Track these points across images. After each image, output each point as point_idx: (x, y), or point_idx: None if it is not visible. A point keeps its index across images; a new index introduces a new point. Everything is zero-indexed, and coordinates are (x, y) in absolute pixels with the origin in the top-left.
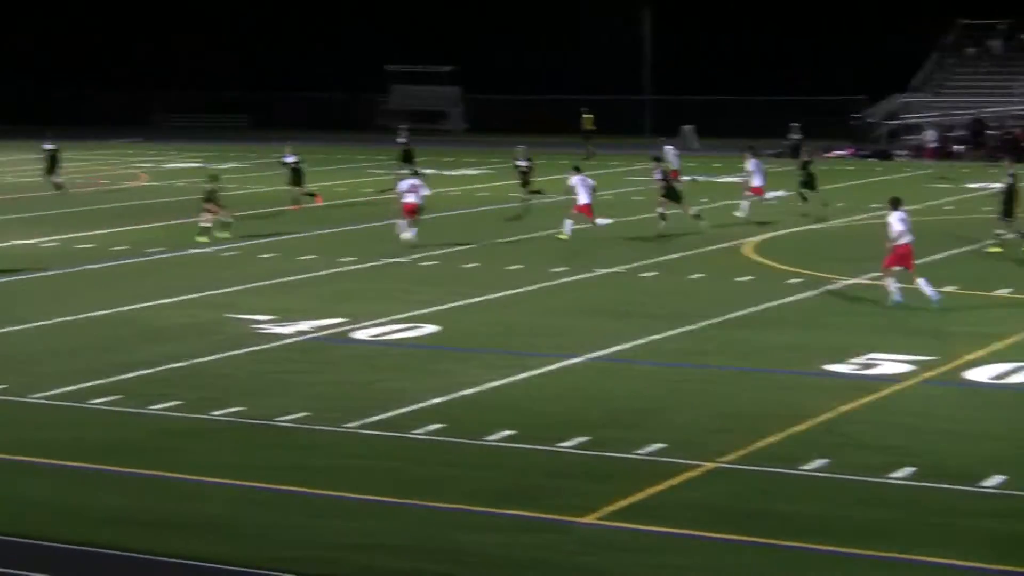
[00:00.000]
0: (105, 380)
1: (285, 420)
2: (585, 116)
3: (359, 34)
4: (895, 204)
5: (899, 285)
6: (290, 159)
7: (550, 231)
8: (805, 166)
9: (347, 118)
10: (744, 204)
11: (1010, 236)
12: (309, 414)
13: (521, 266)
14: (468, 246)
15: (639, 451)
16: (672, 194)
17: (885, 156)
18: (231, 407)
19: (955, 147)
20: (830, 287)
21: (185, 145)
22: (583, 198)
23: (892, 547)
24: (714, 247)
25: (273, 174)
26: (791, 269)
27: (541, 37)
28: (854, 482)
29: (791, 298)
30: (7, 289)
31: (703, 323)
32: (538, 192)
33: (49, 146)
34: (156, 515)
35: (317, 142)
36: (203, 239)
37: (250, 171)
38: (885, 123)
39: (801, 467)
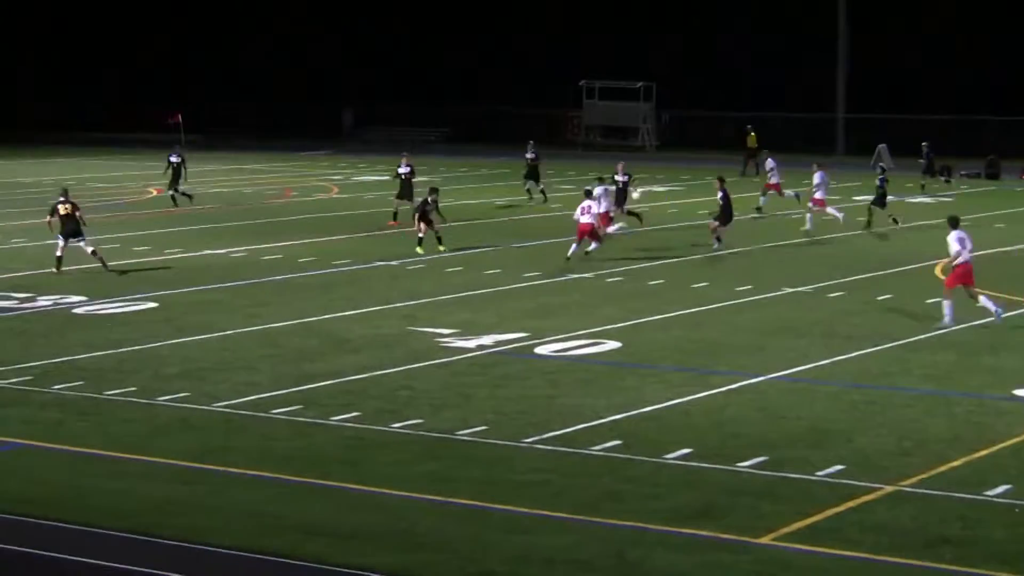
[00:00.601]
0: (288, 390)
1: (464, 433)
2: (751, 135)
3: (555, 49)
4: (953, 223)
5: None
6: (404, 170)
7: (735, 249)
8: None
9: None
10: (808, 216)
11: None
12: (488, 428)
13: (706, 283)
14: (654, 263)
15: (818, 472)
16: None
17: None
18: (411, 419)
19: None
20: (1021, 310)
21: (376, 158)
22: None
23: None
24: (905, 267)
25: (460, 188)
26: (984, 291)
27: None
28: None
29: (982, 320)
30: (196, 298)
31: (889, 344)
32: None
33: (175, 158)
34: (352, 527)
35: (508, 156)
36: (419, 250)
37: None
38: None
39: (986, 492)
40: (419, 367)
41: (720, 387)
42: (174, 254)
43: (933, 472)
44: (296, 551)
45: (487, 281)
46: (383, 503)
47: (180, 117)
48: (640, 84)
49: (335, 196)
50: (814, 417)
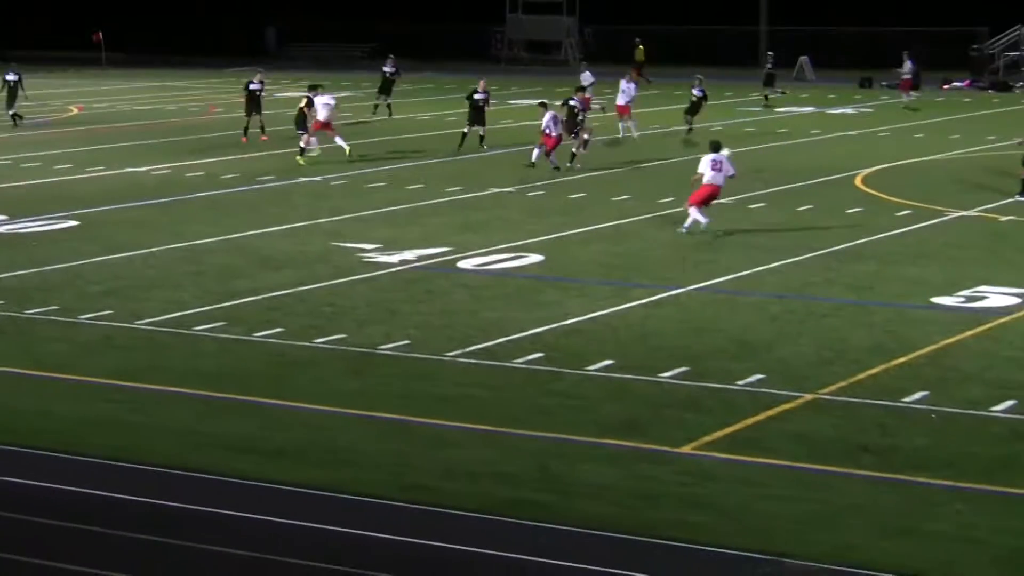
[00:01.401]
0: (212, 307)
1: (388, 348)
2: (639, 48)
3: None
4: (713, 147)
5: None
6: (389, 68)
7: (659, 161)
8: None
9: (463, 48)
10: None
11: None
12: (411, 343)
13: (627, 197)
14: (575, 177)
15: (739, 382)
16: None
17: (1003, 88)
18: (335, 335)
19: None
20: (940, 219)
21: (301, 74)
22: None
23: (992, 479)
24: (824, 179)
25: (384, 103)
26: (901, 201)
27: None
28: (955, 415)
29: (900, 230)
30: (119, 216)
31: (810, 255)
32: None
33: (11, 76)
34: (278, 443)
35: (438, 72)
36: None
37: (364, 100)
38: (1006, 55)
39: (903, 400)
40: (342, 283)
41: (642, 299)
42: (96, 172)
43: (852, 381)
44: (222, 468)
45: (409, 196)
46: (308, 419)
47: (101, 35)
48: None
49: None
50: (735, 328)
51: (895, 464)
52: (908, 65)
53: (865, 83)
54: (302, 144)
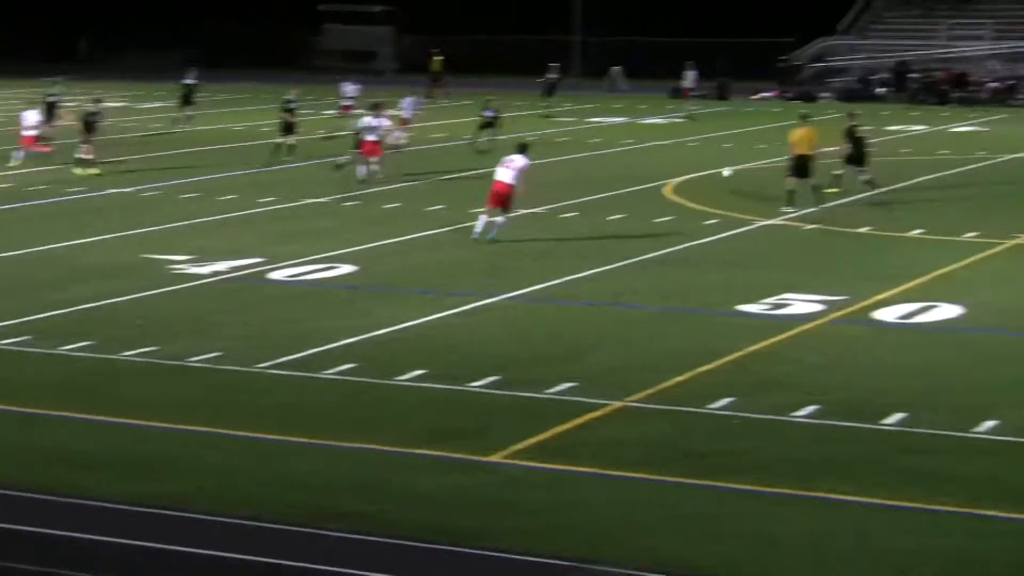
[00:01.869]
0: (17, 320)
1: (200, 360)
2: (435, 58)
3: None
4: (519, 149)
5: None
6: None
7: (473, 171)
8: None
9: (278, 56)
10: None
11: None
12: (223, 354)
13: (442, 206)
14: (390, 187)
15: (549, 390)
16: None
17: (810, 98)
18: (146, 347)
19: (878, 90)
20: (747, 228)
21: (113, 83)
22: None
23: (796, 483)
24: (635, 188)
25: (200, 113)
26: (709, 210)
27: None
28: (759, 420)
29: (708, 239)
30: None
31: (621, 263)
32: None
33: None
34: (88, 456)
35: (247, 80)
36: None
37: (173, 111)
38: (811, 65)
39: (708, 406)
40: (154, 295)
41: (455, 308)
42: None
43: (660, 388)
44: (32, 482)
45: (222, 207)
46: (120, 432)
47: None
48: (379, 8)
49: (71, 124)
50: (546, 336)
51: (701, 469)
52: (690, 76)
53: (676, 93)
54: (80, 155)
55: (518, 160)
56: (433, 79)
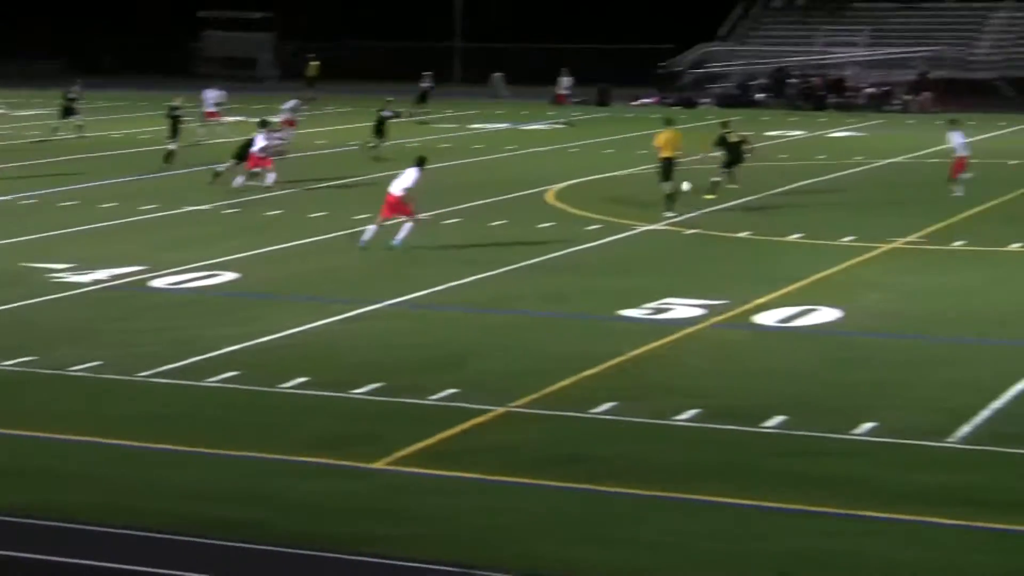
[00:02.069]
0: None
1: (79, 369)
2: (311, 64)
3: None
4: (417, 162)
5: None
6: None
7: (355, 178)
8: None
9: (158, 63)
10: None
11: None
12: (103, 363)
13: (324, 213)
14: (272, 194)
15: (433, 397)
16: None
17: (689, 104)
18: (24, 357)
19: (757, 95)
20: (629, 233)
21: None
22: None
23: (676, 486)
24: (518, 194)
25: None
26: (591, 215)
27: None
28: (640, 424)
29: (590, 244)
30: None
31: (503, 269)
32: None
33: None
34: None
35: (126, 87)
36: None
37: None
38: (691, 71)
39: (591, 411)
40: (32, 304)
41: (338, 315)
42: None
43: (544, 393)
44: None
45: (102, 215)
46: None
47: None
48: (259, 15)
49: None
50: (430, 343)
51: (583, 474)
52: (564, 81)
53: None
54: None
55: (412, 172)
56: (309, 85)
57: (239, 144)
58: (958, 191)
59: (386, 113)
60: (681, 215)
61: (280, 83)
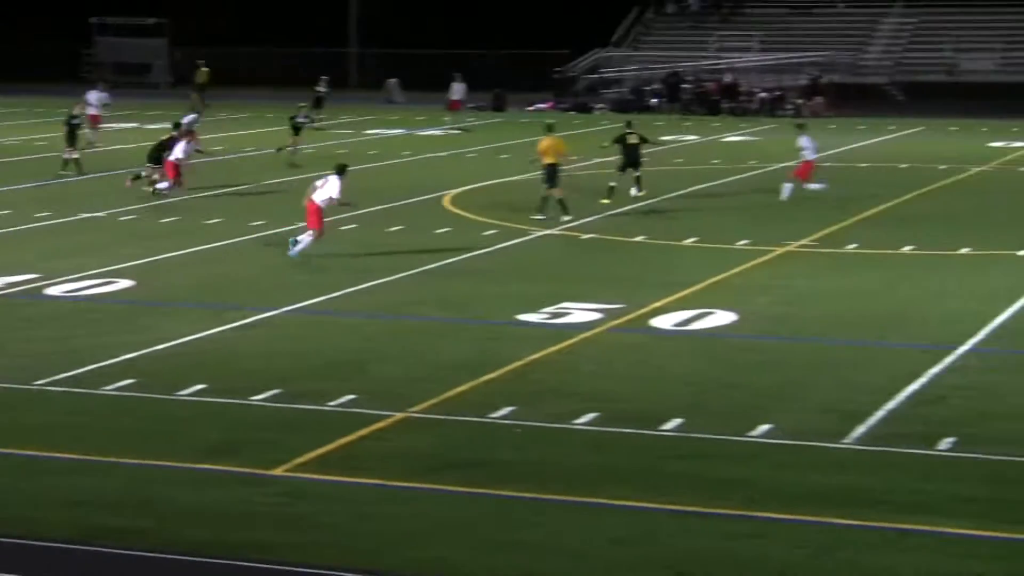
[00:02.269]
0: None
1: None
2: (201, 70)
3: None
4: (337, 170)
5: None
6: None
7: (252, 184)
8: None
9: (49, 69)
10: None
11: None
12: None
13: (220, 220)
14: (168, 200)
15: (331, 403)
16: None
17: (584, 109)
18: None
19: (651, 100)
20: (526, 238)
21: None
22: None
23: (576, 489)
24: (414, 199)
25: None
26: (488, 220)
27: None
28: (540, 428)
29: (488, 249)
30: None
31: (401, 275)
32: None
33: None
34: None
35: (18, 94)
36: None
37: None
38: (585, 77)
39: (490, 415)
40: None
41: (236, 322)
42: None
43: (443, 398)
44: None
45: None
46: None
47: None
48: (152, 20)
49: None
50: (328, 349)
51: (483, 478)
52: (457, 88)
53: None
54: None
55: (334, 181)
56: (199, 91)
57: (151, 147)
58: (785, 194)
59: (300, 119)
60: (577, 219)
61: (174, 89)
